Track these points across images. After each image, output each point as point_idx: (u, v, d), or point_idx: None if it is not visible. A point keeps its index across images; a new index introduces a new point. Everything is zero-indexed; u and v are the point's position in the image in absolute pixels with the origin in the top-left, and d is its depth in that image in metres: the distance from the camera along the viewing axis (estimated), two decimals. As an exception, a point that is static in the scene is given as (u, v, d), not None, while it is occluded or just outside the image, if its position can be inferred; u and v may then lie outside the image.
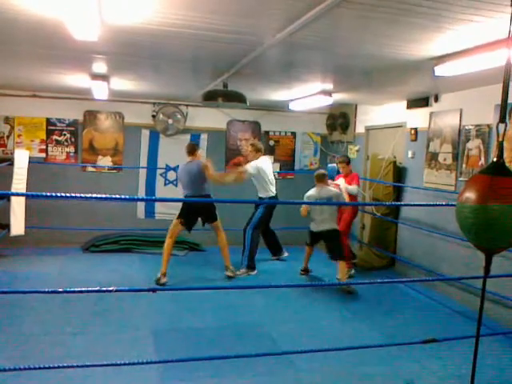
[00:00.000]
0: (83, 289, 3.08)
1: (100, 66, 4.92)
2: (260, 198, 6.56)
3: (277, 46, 3.52)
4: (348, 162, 6.63)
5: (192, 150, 6.13)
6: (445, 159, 5.74)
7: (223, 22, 3.04)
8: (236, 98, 5.11)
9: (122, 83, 6.01)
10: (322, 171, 6.21)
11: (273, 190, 6.56)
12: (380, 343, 4.13)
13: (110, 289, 2.96)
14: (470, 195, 2.07)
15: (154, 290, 3.59)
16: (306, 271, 6.43)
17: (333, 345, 3.95)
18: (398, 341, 4.11)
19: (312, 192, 6.04)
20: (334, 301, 5.44)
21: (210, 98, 5.06)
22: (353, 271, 6.37)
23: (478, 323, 2.42)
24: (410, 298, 5.67)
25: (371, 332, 4.56)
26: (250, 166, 6.32)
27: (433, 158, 5.97)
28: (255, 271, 6.40)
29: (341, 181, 6.50)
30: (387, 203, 6.77)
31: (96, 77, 5.44)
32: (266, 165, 6.51)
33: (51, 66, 4.99)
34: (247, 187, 6.84)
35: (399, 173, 6.63)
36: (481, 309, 2.40)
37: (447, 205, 4.36)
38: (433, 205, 5.78)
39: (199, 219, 6.12)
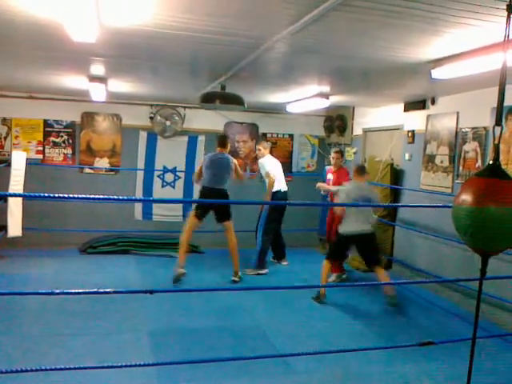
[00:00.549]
0: (80, 290, 3.08)
1: (98, 68, 4.92)
2: None
3: (274, 48, 3.53)
4: (342, 153, 6.67)
5: (224, 142, 6.04)
6: (442, 161, 5.76)
7: (220, 25, 3.05)
8: (234, 101, 5.11)
9: (120, 85, 6.01)
10: (363, 163, 6.02)
11: (281, 185, 6.62)
12: (377, 345, 4.15)
13: (108, 290, 2.96)
14: (467, 197, 2.07)
15: (151, 292, 3.57)
16: (321, 297, 5.34)
17: (330, 347, 3.96)
18: (395, 343, 4.12)
19: (352, 187, 5.36)
20: (331, 303, 5.44)
21: (208, 100, 5.06)
22: (345, 275, 6.32)
23: (475, 325, 2.43)
24: (407, 300, 5.67)
25: (368, 334, 4.56)
26: (268, 170, 6.51)
27: (430, 160, 5.98)
28: (265, 270, 6.46)
29: (330, 177, 6.59)
30: (384, 204, 6.79)
31: (94, 79, 5.44)
32: (274, 161, 6.77)
33: (49, 67, 4.99)
34: (249, 189, 6.86)
35: (396, 175, 6.64)
36: (477, 311, 2.41)
37: (444, 206, 4.37)
38: (430, 206, 5.80)
39: (211, 213, 5.98)
